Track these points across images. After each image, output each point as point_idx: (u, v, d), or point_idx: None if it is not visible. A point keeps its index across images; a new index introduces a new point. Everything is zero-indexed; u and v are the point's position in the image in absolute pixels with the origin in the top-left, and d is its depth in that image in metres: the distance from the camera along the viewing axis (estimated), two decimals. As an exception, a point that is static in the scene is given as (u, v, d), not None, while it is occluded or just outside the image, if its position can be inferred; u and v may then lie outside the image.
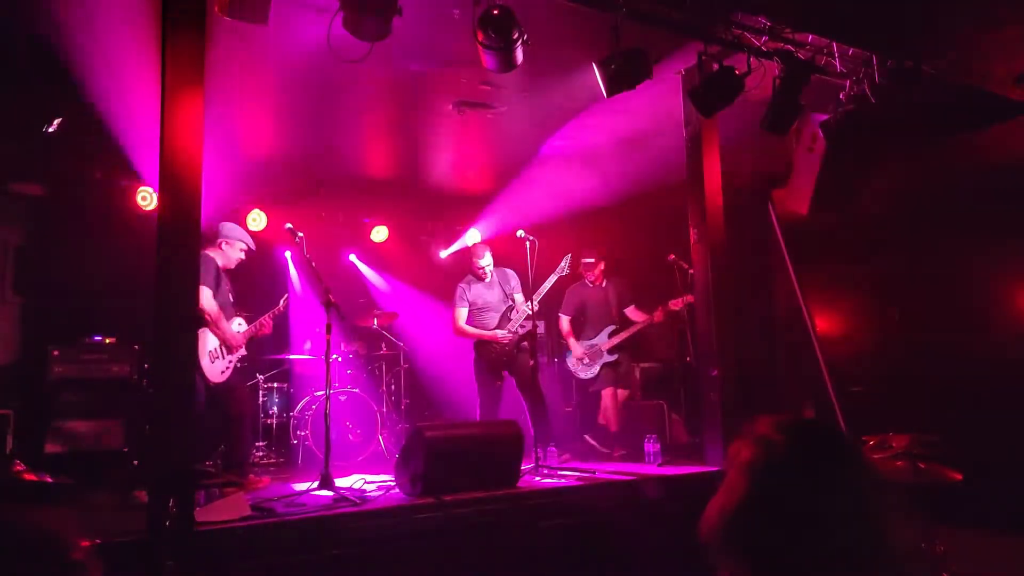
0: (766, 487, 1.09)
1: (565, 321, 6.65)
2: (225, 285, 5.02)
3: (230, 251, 5.08)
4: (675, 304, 6.14)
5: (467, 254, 6.11)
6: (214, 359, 4.80)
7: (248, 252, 5.22)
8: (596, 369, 6.43)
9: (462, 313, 6.09)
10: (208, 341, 4.75)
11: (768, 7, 4.68)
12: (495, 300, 6.09)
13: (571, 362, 6.62)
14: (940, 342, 5.47)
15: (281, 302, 5.55)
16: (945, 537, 3.37)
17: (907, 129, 5.61)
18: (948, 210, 5.58)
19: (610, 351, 6.40)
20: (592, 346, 6.49)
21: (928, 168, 5.80)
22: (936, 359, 5.44)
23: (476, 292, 6.11)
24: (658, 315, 6.27)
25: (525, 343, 5.86)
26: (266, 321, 5.28)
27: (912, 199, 5.78)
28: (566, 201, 7.81)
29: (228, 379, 4.95)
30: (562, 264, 6.00)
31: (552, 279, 5.94)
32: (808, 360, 6.42)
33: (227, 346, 4.89)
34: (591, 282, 6.65)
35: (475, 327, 6.04)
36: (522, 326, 5.89)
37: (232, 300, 5.12)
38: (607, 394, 6.34)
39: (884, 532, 1.05)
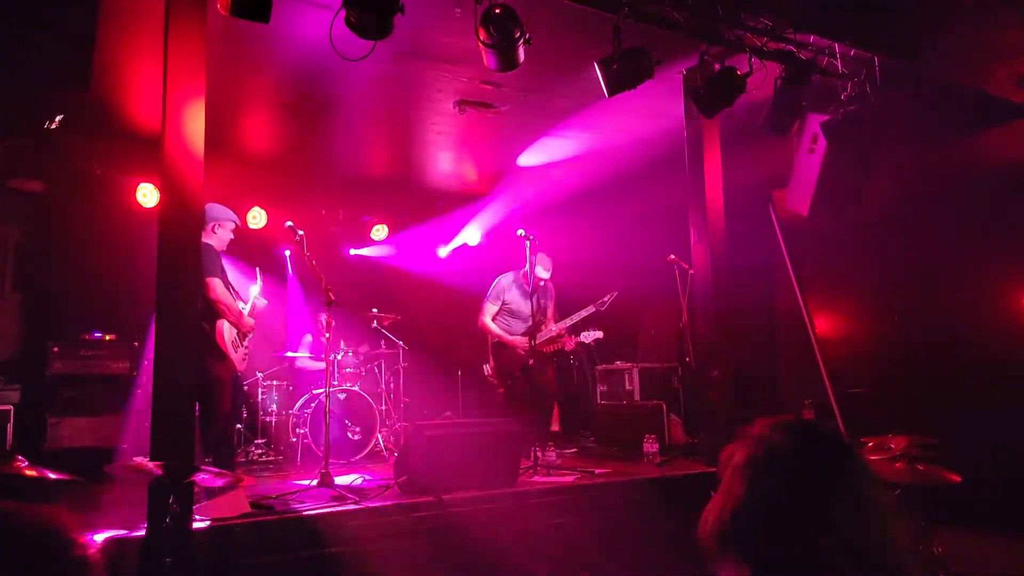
0: (767, 488, 1.06)
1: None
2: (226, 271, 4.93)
3: (222, 233, 4.86)
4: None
5: (521, 249, 5.61)
6: (236, 348, 4.73)
7: (235, 230, 5.00)
8: None
9: (490, 308, 5.97)
10: (228, 331, 4.65)
11: (770, 7, 4.68)
12: (528, 310, 5.75)
13: None
14: (939, 343, 5.47)
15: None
16: (943, 538, 3.38)
17: (908, 130, 5.61)
18: (948, 211, 5.58)
19: None
20: None
21: (928, 169, 5.79)
22: (935, 360, 5.44)
23: (513, 296, 5.98)
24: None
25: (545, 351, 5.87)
26: (259, 299, 5.12)
27: (912, 200, 5.78)
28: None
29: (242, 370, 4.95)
30: (605, 299, 5.82)
31: (588, 311, 5.81)
32: (807, 361, 6.42)
33: (241, 333, 4.81)
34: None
35: (500, 327, 5.95)
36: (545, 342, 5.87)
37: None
38: None
39: (885, 532, 1.04)
